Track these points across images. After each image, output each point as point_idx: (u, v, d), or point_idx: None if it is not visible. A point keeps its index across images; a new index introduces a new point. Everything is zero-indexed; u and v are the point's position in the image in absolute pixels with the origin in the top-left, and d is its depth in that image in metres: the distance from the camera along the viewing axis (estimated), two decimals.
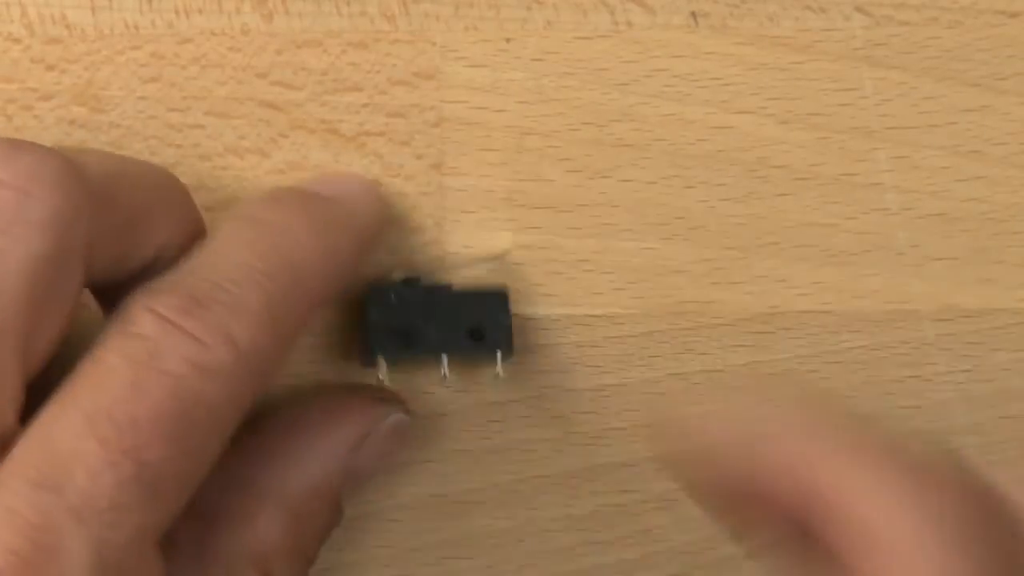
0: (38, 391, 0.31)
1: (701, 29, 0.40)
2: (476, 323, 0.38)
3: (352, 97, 0.39)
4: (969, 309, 0.40)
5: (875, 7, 0.40)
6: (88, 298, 0.35)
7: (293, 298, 0.34)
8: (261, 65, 0.39)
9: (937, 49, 0.40)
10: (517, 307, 0.39)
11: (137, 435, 0.30)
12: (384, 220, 0.38)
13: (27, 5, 0.39)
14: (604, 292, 0.40)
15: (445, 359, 0.38)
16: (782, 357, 0.40)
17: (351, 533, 0.40)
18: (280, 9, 0.39)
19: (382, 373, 0.38)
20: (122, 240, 0.34)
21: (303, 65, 0.39)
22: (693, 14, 0.40)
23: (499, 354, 0.38)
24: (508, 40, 0.40)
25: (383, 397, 0.38)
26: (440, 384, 0.40)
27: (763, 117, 0.40)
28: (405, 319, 0.38)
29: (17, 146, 0.32)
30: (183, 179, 0.39)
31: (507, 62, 0.40)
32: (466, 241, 0.39)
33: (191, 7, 0.39)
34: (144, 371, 0.31)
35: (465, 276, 0.39)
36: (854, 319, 0.40)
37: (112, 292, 0.34)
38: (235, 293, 0.33)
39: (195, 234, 0.36)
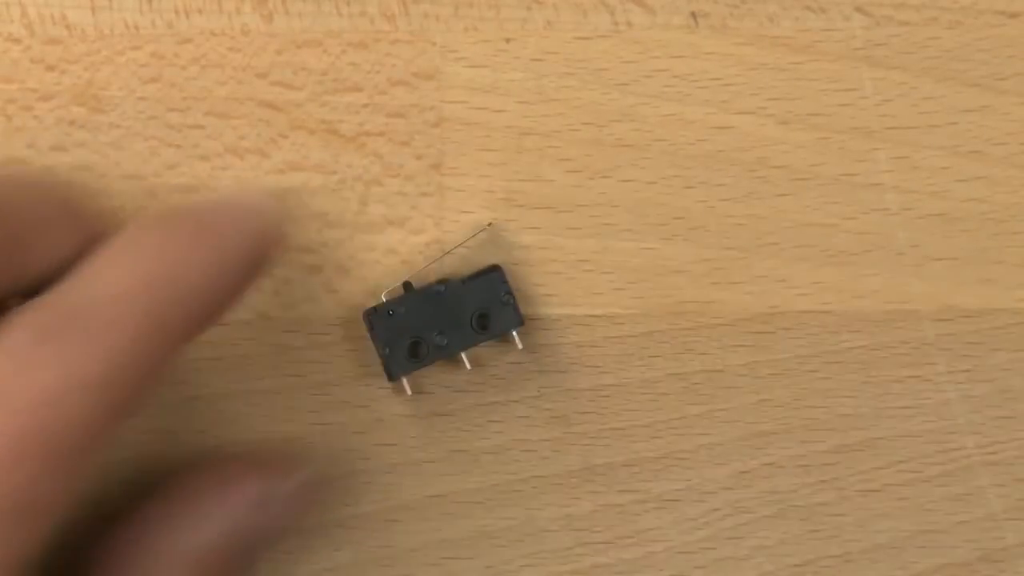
0: None
1: (701, 29, 0.40)
2: (480, 310, 0.39)
3: (352, 97, 0.39)
4: (969, 309, 0.40)
5: (875, 7, 0.40)
6: None
7: (172, 313, 0.33)
8: (261, 65, 0.39)
9: (937, 49, 0.40)
10: (518, 307, 0.39)
11: None
12: (276, 241, 0.36)
13: (27, 5, 0.39)
14: (604, 292, 0.40)
15: (464, 357, 0.39)
16: (782, 357, 0.40)
17: (351, 533, 0.40)
18: (280, 9, 0.39)
19: (408, 390, 0.39)
20: (5, 263, 0.33)
21: (303, 65, 0.39)
22: (693, 14, 0.40)
23: (514, 333, 0.39)
24: (508, 40, 0.40)
25: (287, 458, 0.38)
26: (441, 384, 0.40)
27: (763, 117, 0.40)
28: (410, 330, 0.38)
29: None
30: (182, 179, 0.39)
31: (507, 62, 0.40)
32: (466, 241, 0.39)
33: (191, 7, 0.39)
34: (10, 386, 0.31)
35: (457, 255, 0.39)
36: (854, 319, 0.40)
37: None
38: (109, 307, 0.32)
39: (94, 233, 0.35)
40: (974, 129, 0.40)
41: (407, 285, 0.39)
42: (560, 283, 0.40)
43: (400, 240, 0.39)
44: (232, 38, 0.39)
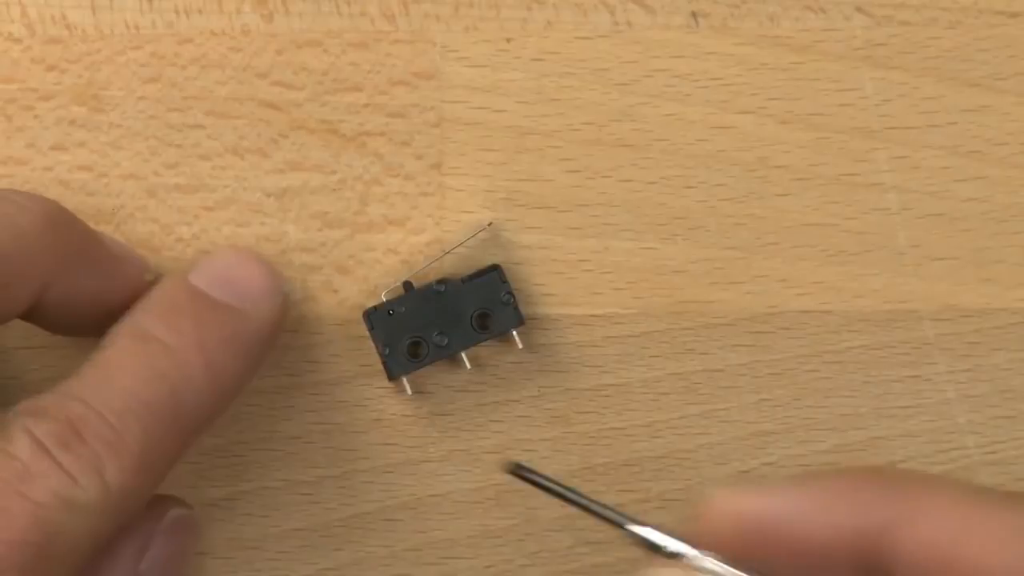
0: None
1: (701, 29, 0.40)
2: (479, 309, 0.39)
3: (352, 97, 0.39)
4: (969, 309, 0.40)
5: (875, 7, 0.40)
6: None
7: (172, 431, 0.34)
8: (261, 65, 0.39)
9: (937, 49, 0.40)
10: (519, 307, 0.39)
11: None
12: (282, 325, 0.37)
13: (27, 5, 0.39)
14: (604, 292, 0.40)
15: (464, 356, 0.39)
16: (782, 357, 0.40)
17: (351, 532, 0.40)
18: (280, 9, 0.39)
19: (408, 390, 0.39)
20: None
21: (303, 65, 0.39)
22: (693, 14, 0.40)
23: (514, 333, 0.39)
24: (508, 40, 0.40)
25: (159, 498, 0.37)
26: (441, 383, 0.40)
27: (763, 117, 0.40)
28: (410, 330, 0.38)
29: None
30: (182, 179, 0.39)
31: (507, 62, 0.40)
32: (467, 241, 0.39)
33: (191, 7, 0.39)
34: (9, 494, 0.31)
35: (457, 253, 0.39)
36: (854, 319, 0.40)
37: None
38: (114, 426, 0.33)
39: (82, 257, 0.36)
40: (974, 129, 0.40)
41: (407, 285, 0.39)
42: (560, 283, 0.40)
43: (400, 240, 0.39)
44: (232, 38, 0.39)
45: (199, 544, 0.39)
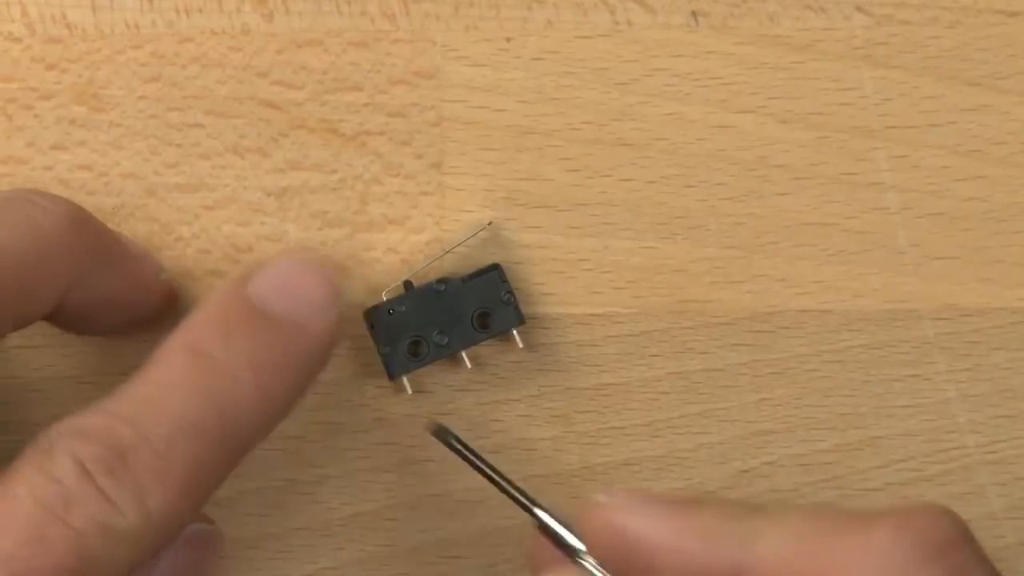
0: None
1: (701, 28, 0.40)
2: (480, 309, 0.39)
3: (352, 96, 0.39)
4: (969, 308, 0.40)
5: (875, 6, 0.40)
6: None
7: (219, 454, 0.33)
8: (261, 64, 0.39)
9: (937, 48, 0.40)
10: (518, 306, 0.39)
11: None
12: (337, 339, 0.36)
13: (27, 4, 0.39)
14: (604, 291, 0.40)
15: (465, 356, 0.39)
16: (782, 356, 0.40)
17: (352, 532, 0.40)
18: (280, 8, 0.39)
19: (409, 389, 0.39)
20: (14, 305, 0.34)
21: (303, 64, 0.39)
22: (693, 13, 0.40)
23: (514, 332, 0.39)
24: (508, 39, 0.40)
25: None
26: (441, 382, 0.40)
27: (763, 116, 0.40)
28: (410, 330, 0.38)
29: None
30: (183, 178, 0.39)
31: (507, 61, 0.40)
32: (467, 241, 0.39)
33: (191, 6, 0.39)
34: (51, 520, 0.31)
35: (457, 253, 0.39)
36: (854, 318, 0.40)
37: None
38: (160, 451, 0.32)
39: (103, 259, 0.36)
40: (974, 128, 0.40)
41: (407, 284, 0.39)
42: (560, 282, 0.40)
43: (400, 239, 0.39)
44: (232, 37, 0.39)
45: (218, 558, 0.38)
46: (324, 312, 0.35)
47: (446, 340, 0.39)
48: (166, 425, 0.32)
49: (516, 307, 0.39)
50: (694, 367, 0.40)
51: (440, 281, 0.39)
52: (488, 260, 0.39)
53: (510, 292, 0.39)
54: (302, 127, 0.39)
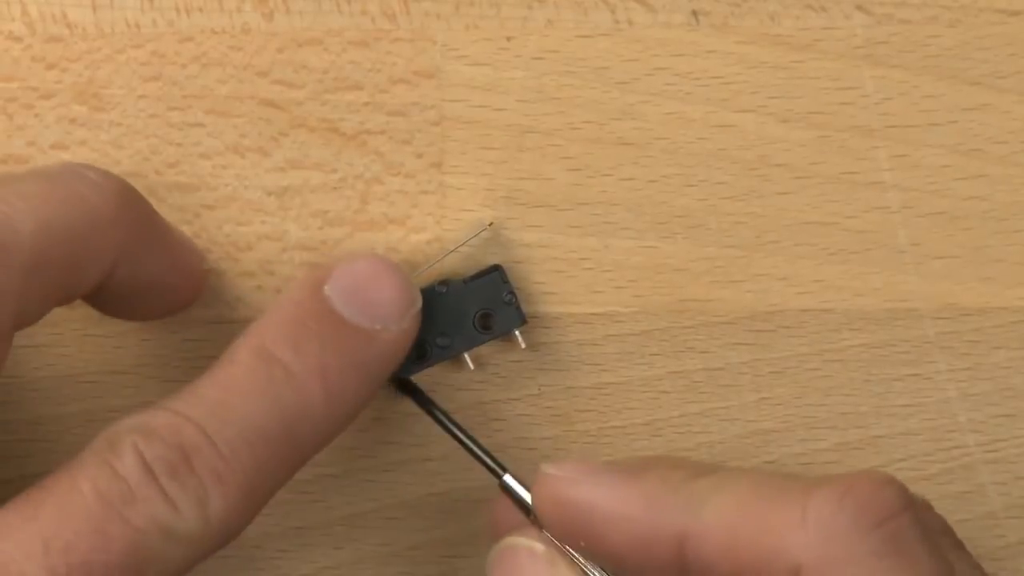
0: None
1: (702, 28, 0.40)
2: (482, 310, 0.39)
3: (353, 95, 0.39)
4: (969, 307, 0.40)
5: (875, 6, 0.40)
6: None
7: (283, 461, 0.34)
8: (262, 63, 0.39)
9: (937, 48, 0.40)
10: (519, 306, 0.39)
11: None
12: (410, 344, 0.37)
13: (28, 3, 0.39)
14: (604, 290, 0.40)
15: (467, 357, 0.39)
16: (782, 355, 0.40)
17: (352, 531, 0.40)
18: (281, 8, 0.39)
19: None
20: (60, 278, 0.33)
21: (304, 64, 0.39)
22: (694, 12, 0.40)
23: (516, 332, 0.39)
24: (509, 39, 0.40)
25: None
26: (442, 382, 0.40)
27: (764, 116, 0.40)
28: None
29: None
30: (183, 177, 0.39)
31: (508, 60, 0.40)
32: (468, 240, 0.39)
33: (192, 6, 0.39)
34: (111, 515, 0.31)
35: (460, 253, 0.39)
36: (855, 317, 0.40)
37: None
38: (224, 456, 0.32)
39: (150, 240, 0.36)
40: (974, 127, 0.40)
41: None
42: (561, 281, 0.40)
43: (401, 238, 0.39)
44: (233, 36, 0.39)
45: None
46: (399, 319, 0.36)
47: (448, 342, 0.38)
48: (232, 429, 0.33)
49: (518, 307, 0.39)
50: (694, 366, 0.40)
51: (441, 283, 0.39)
52: (489, 260, 0.39)
53: (512, 293, 0.39)
54: (302, 126, 0.39)
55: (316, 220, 0.39)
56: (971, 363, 0.40)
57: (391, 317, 0.35)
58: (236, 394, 0.33)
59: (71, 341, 0.39)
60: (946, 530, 0.34)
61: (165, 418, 0.32)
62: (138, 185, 0.39)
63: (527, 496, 0.35)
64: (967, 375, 0.40)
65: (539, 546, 0.34)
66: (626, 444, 0.40)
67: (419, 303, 0.36)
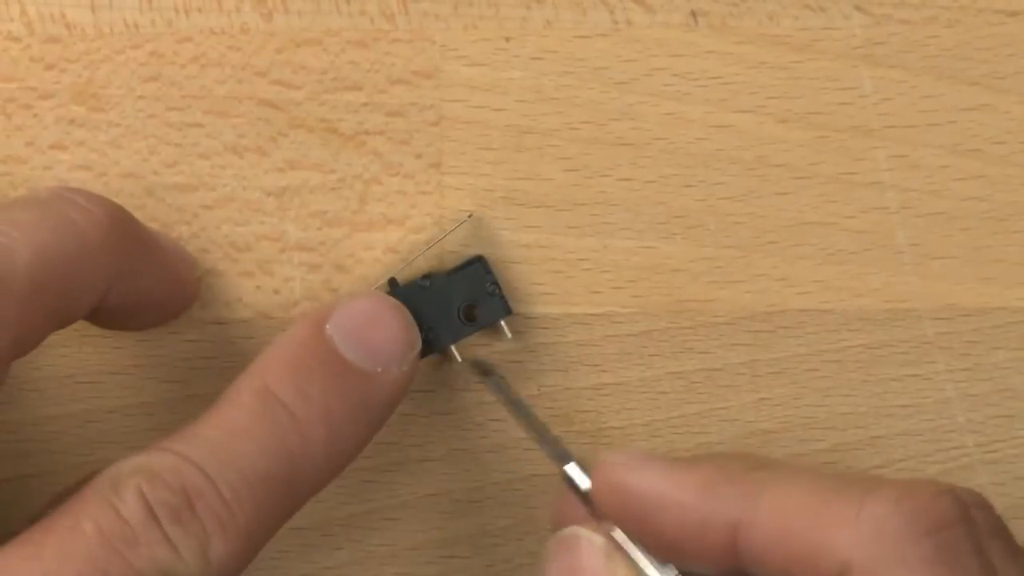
0: None
1: (700, 28, 0.40)
2: (466, 302, 0.39)
3: (351, 96, 0.39)
4: (968, 308, 0.40)
5: (874, 6, 0.40)
6: None
7: (283, 504, 0.34)
8: (260, 64, 0.39)
9: (936, 48, 0.40)
10: (517, 307, 0.39)
11: None
12: (410, 386, 0.37)
13: (27, 3, 0.39)
14: (603, 291, 0.40)
15: (454, 350, 0.39)
16: (781, 356, 0.40)
17: (351, 532, 0.40)
18: (280, 8, 0.39)
19: None
20: (55, 305, 0.34)
21: (302, 64, 0.39)
22: (693, 13, 0.40)
23: (502, 323, 0.39)
24: (507, 39, 0.40)
25: None
26: (441, 382, 0.40)
27: (762, 116, 0.40)
28: None
29: None
30: (182, 178, 0.39)
31: (506, 61, 0.40)
32: (464, 240, 0.39)
33: (191, 6, 0.39)
34: (113, 557, 0.31)
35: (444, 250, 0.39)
36: (854, 318, 0.40)
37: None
38: (227, 501, 0.32)
39: (142, 258, 0.36)
40: (973, 128, 0.40)
41: (392, 282, 0.39)
42: (559, 281, 0.40)
43: (400, 238, 0.39)
44: (232, 37, 0.39)
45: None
46: (401, 361, 0.36)
47: (434, 336, 0.38)
48: (235, 473, 0.33)
49: (502, 297, 0.39)
50: (693, 367, 0.40)
51: (424, 277, 0.39)
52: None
53: (495, 283, 0.39)
54: (301, 126, 0.39)
55: (315, 220, 0.39)
56: (970, 363, 0.40)
57: (392, 359, 0.36)
58: (239, 437, 0.33)
59: (71, 341, 0.39)
60: (1001, 533, 0.34)
61: (169, 461, 0.32)
62: (137, 185, 0.39)
63: (587, 484, 0.35)
64: (966, 375, 0.40)
65: (598, 538, 0.34)
66: (625, 444, 0.40)
67: (419, 345, 0.36)
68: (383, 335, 0.36)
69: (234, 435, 0.33)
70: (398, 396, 0.36)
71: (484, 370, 0.38)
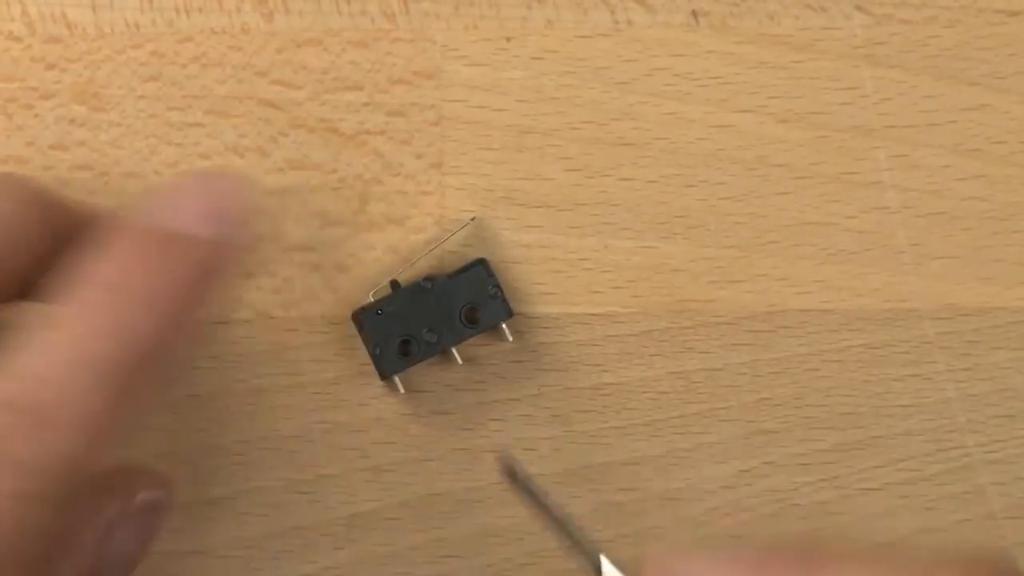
0: None
1: (701, 28, 0.40)
2: (468, 305, 0.39)
3: (352, 96, 0.39)
4: (969, 307, 0.40)
5: (875, 6, 0.40)
6: None
7: (127, 388, 0.32)
8: (261, 64, 0.39)
9: (937, 48, 0.40)
10: (518, 306, 0.39)
11: None
12: (241, 252, 0.34)
13: (27, 3, 0.39)
14: (604, 291, 0.40)
15: (455, 351, 0.39)
16: (782, 355, 0.40)
17: (351, 531, 0.40)
18: (280, 8, 0.39)
19: (400, 388, 0.39)
20: None
21: (303, 64, 0.39)
22: (693, 13, 0.40)
23: (503, 325, 0.39)
24: (508, 39, 0.40)
25: (129, 477, 0.36)
26: (441, 382, 0.40)
27: (763, 116, 0.40)
28: (400, 329, 0.38)
29: None
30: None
31: (507, 61, 0.40)
32: (465, 240, 0.39)
33: (191, 6, 0.39)
34: None
35: (447, 251, 0.39)
36: (854, 317, 0.40)
37: None
38: (63, 398, 0.31)
39: (68, 234, 0.35)
40: (974, 127, 0.40)
41: (394, 284, 0.39)
42: (560, 281, 0.40)
43: (401, 239, 0.39)
44: (232, 36, 0.39)
45: (168, 519, 0.37)
46: (230, 221, 0.33)
47: (435, 337, 0.38)
48: (71, 369, 0.31)
49: (503, 300, 0.39)
50: (694, 367, 0.40)
51: (427, 279, 0.39)
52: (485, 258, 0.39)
53: (497, 286, 0.39)
54: (302, 126, 0.39)
55: (316, 220, 0.39)
56: (970, 363, 0.40)
57: (221, 222, 0.33)
58: (74, 325, 0.31)
59: None
60: None
61: (7, 386, 0.31)
62: (138, 185, 0.39)
63: None
64: (966, 375, 0.40)
65: None
66: (625, 444, 0.40)
67: (250, 206, 0.34)
68: (206, 201, 0.33)
69: (70, 323, 0.31)
70: (231, 259, 0.33)
71: (511, 473, 0.37)
